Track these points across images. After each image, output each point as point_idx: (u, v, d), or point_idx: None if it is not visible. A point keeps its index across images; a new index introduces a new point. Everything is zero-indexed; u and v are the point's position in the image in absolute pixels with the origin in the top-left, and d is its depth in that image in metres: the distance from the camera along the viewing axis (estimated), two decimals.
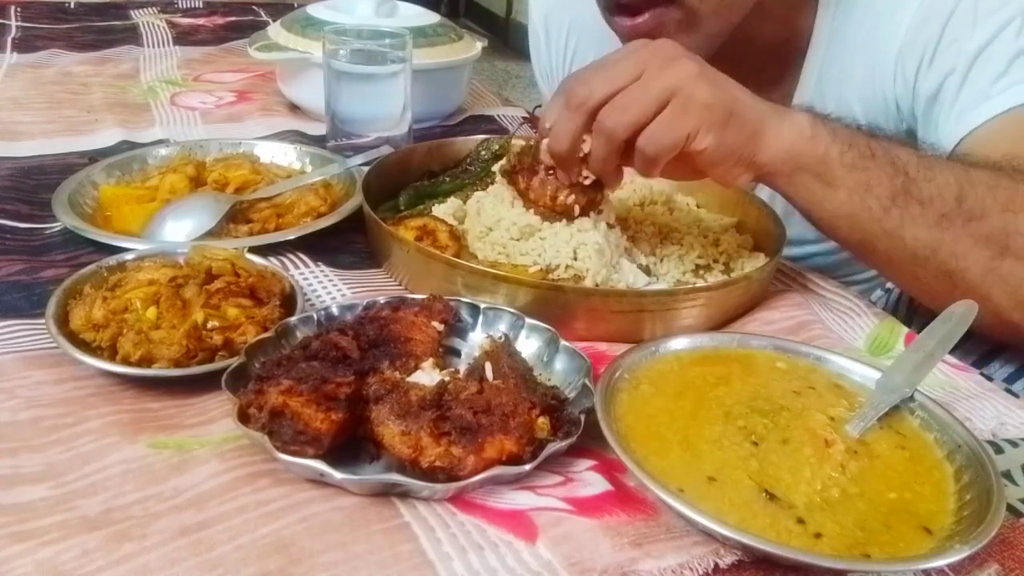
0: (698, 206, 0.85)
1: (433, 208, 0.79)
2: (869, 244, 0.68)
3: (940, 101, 0.79)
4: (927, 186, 0.65)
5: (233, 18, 1.61)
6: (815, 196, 0.67)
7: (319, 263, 0.73)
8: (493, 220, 0.72)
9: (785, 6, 0.84)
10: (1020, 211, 0.64)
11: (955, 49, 0.77)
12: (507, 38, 4.55)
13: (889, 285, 1.03)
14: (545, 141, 0.67)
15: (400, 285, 0.72)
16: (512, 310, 0.62)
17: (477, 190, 0.81)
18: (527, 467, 0.48)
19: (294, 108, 1.13)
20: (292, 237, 0.74)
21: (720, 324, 0.68)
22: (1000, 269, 0.65)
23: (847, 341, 0.68)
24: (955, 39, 0.77)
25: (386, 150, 0.91)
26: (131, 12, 1.58)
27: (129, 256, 0.66)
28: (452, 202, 0.80)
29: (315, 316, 0.60)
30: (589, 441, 0.52)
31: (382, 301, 0.62)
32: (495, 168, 0.83)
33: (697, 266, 0.75)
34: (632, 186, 0.82)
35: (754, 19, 0.80)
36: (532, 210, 0.71)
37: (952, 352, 0.61)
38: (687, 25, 0.76)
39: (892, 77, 0.82)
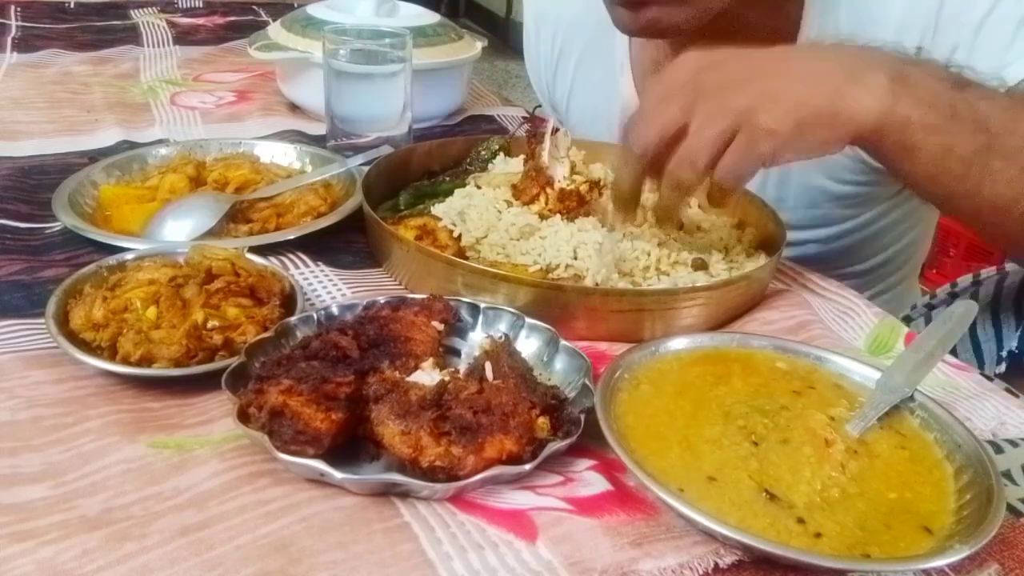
0: (699, 206, 0.85)
1: (433, 208, 0.78)
2: (949, 201, 0.68)
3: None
4: (1010, 140, 0.63)
5: (233, 18, 1.60)
6: (897, 160, 0.65)
7: (319, 263, 0.73)
8: (485, 227, 0.72)
9: None
10: None
11: (957, 23, 0.77)
12: (507, 38, 4.55)
13: (926, 300, 1.03)
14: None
15: (400, 285, 0.72)
16: (512, 310, 0.62)
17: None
18: (527, 467, 0.48)
19: (294, 108, 1.13)
20: (292, 237, 0.74)
21: (720, 324, 0.68)
22: None
23: (847, 341, 0.68)
24: (956, 12, 0.77)
25: (386, 150, 0.91)
26: (131, 12, 1.58)
27: (129, 256, 0.66)
28: (451, 202, 0.80)
29: (315, 316, 0.60)
30: (589, 441, 0.52)
31: (382, 301, 0.62)
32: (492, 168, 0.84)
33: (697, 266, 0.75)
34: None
35: (746, 2, 0.80)
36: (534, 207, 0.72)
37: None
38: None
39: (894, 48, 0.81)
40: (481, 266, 0.66)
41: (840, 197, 0.94)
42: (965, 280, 0.99)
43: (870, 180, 0.91)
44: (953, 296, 0.99)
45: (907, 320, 0.99)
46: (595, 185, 0.74)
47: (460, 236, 0.73)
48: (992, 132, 0.63)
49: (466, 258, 0.70)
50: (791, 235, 0.87)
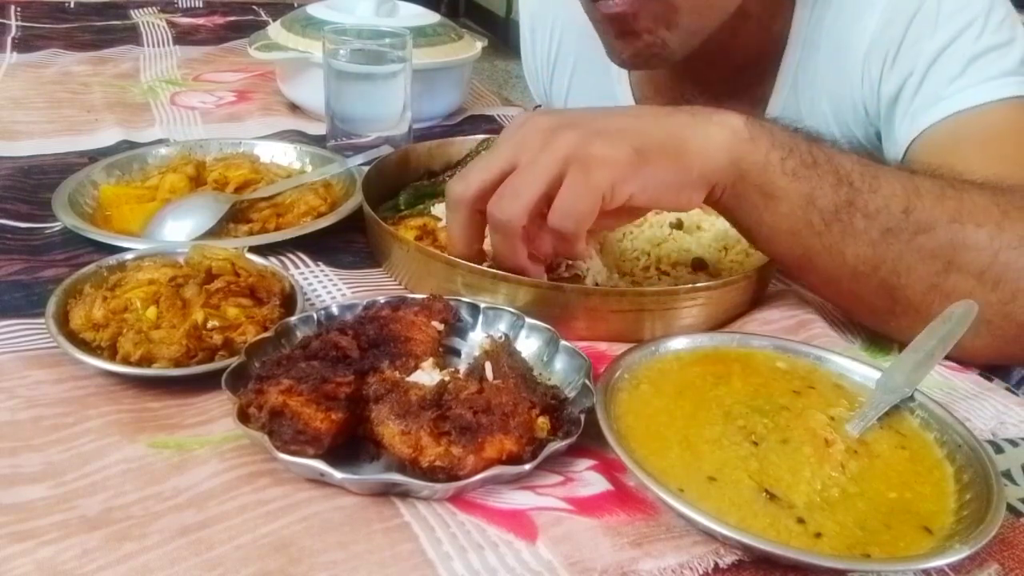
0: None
1: (433, 208, 0.79)
2: (807, 261, 0.63)
3: (899, 102, 0.78)
4: (873, 197, 0.60)
5: (233, 18, 1.60)
6: (756, 210, 0.61)
7: (319, 263, 0.73)
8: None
9: (764, 10, 0.84)
10: (967, 222, 0.60)
11: (915, 51, 0.77)
12: (507, 38, 4.54)
13: None
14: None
15: (400, 285, 0.72)
16: (512, 310, 0.62)
17: None
18: (527, 467, 0.48)
19: (294, 108, 1.13)
20: (292, 237, 0.74)
21: (720, 324, 0.68)
22: (944, 285, 0.60)
23: (847, 341, 0.68)
24: (916, 40, 0.77)
25: (386, 150, 0.91)
26: (131, 12, 1.58)
27: (129, 256, 0.66)
28: None
29: (315, 316, 0.60)
30: (589, 441, 0.52)
31: (382, 301, 0.62)
32: None
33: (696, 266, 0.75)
34: None
35: (734, 22, 0.79)
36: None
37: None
38: (665, 19, 0.75)
39: (860, 79, 0.81)
40: (481, 266, 0.66)
41: None
42: None
43: None
44: None
45: None
46: None
47: None
48: (855, 187, 0.60)
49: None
50: None
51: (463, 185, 0.60)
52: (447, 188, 0.62)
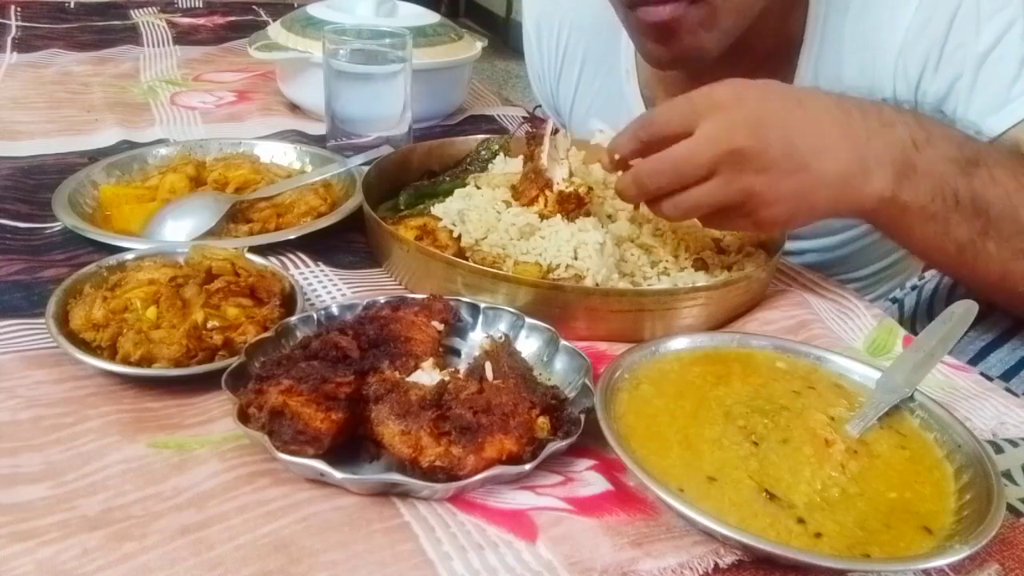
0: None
1: (433, 208, 0.78)
2: (942, 270, 0.72)
3: (951, 102, 0.79)
4: (1007, 225, 0.65)
5: (233, 18, 1.60)
6: (889, 232, 0.69)
7: (319, 263, 0.73)
8: (485, 227, 0.72)
9: (780, 6, 0.84)
10: None
11: (961, 54, 0.78)
12: (507, 38, 4.55)
13: (896, 294, 1.03)
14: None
15: (400, 285, 0.72)
16: (512, 310, 0.62)
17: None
18: (527, 467, 0.48)
19: (294, 108, 1.13)
20: (292, 237, 0.74)
21: (720, 324, 0.68)
22: None
23: (846, 341, 0.68)
24: (960, 43, 0.77)
25: (386, 150, 0.91)
26: (131, 12, 1.58)
27: (129, 256, 0.66)
28: (451, 202, 0.80)
29: (315, 316, 0.60)
30: (589, 441, 0.52)
31: (382, 301, 0.62)
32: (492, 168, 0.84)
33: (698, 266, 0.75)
34: None
35: (757, 18, 0.80)
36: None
37: (951, 351, 0.61)
38: (707, 23, 0.76)
39: (892, 77, 0.81)
40: (481, 266, 0.66)
41: None
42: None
43: None
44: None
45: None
46: (592, 189, 0.74)
47: (460, 236, 0.73)
48: (991, 217, 0.65)
49: (466, 258, 0.70)
50: (791, 244, 0.88)
51: (654, 185, 0.63)
52: (636, 164, 0.65)
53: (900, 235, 0.69)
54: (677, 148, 0.62)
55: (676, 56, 0.79)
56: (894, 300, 1.02)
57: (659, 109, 0.66)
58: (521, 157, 0.80)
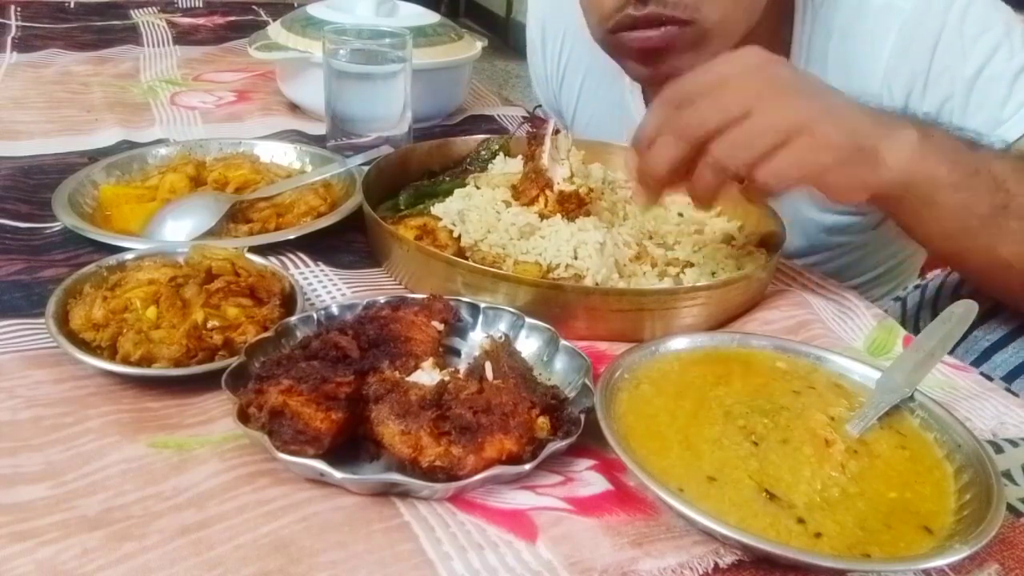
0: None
1: (433, 208, 0.79)
2: (961, 256, 0.71)
3: (943, 121, 0.80)
4: None
5: (233, 18, 1.60)
6: (918, 217, 0.67)
7: (319, 263, 0.73)
8: (485, 227, 0.72)
9: (767, 27, 0.85)
10: None
11: (948, 77, 0.79)
12: (507, 38, 4.55)
13: (899, 294, 1.04)
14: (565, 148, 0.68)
15: (400, 285, 0.72)
16: (512, 309, 0.62)
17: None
18: (527, 467, 0.48)
19: (294, 108, 1.13)
20: (292, 237, 0.74)
21: (720, 324, 0.68)
22: None
23: (846, 341, 0.68)
24: (947, 67, 0.79)
25: (386, 150, 0.91)
26: (131, 12, 1.58)
27: (129, 256, 0.66)
28: (451, 202, 0.80)
29: (315, 316, 0.60)
30: (589, 441, 0.52)
31: (382, 301, 0.62)
32: (492, 168, 0.84)
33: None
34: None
35: (743, 39, 0.80)
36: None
37: (953, 351, 0.61)
38: (697, 44, 0.76)
39: (878, 99, 0.82)
40: (481, 266, 0.66)
41: (832, 227, 0.96)
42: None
43: (860, 210, 0.92)
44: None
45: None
46: (593, 189, 0.74)
47: (460, 236, 0.73)
48: (1010, 192, 0.65)
49: (466, 258, 0.70)
50: (796, 262, 0.87)
51: (698, 120, 0.59)
52: (670, 109, 0.61)
53: (925, 212, 0.65)
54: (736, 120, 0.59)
55: (659, 74, 0.79)
56: (897, 299, 1.02)
57: (682, 79, 0.63)
58: (521, 157, 0.80)
